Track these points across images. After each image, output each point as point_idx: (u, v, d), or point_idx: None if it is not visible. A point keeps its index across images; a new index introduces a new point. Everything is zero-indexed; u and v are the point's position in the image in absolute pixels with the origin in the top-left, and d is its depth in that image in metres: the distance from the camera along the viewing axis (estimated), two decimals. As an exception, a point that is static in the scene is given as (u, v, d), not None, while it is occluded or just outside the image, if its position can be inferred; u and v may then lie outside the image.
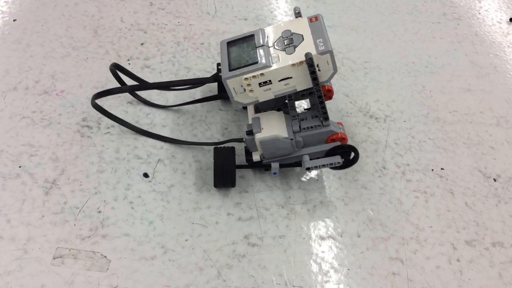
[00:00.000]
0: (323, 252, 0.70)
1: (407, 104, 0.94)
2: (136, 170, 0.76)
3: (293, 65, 0.64)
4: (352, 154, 0.73)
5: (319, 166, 0.71)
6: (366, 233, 0.72)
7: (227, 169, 0.71)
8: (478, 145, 0.88)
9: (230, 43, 0.70)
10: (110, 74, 0.87)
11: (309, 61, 0.63)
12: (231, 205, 0.73)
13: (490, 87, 1.01)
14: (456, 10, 1.22)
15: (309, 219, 0.73)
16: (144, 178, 0.75)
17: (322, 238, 0.71)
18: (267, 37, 0.69)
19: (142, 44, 0.98)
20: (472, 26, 1.18)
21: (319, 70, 0.65)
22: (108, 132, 0.80)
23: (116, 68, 0.81)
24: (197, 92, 0.90)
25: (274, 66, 0.65)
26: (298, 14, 0.71)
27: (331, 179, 0.79)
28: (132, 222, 0.70)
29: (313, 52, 0.63)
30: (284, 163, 0.74)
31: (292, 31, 0.68)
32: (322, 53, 0.63)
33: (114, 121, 0.80)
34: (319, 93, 0.67)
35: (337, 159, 0.71)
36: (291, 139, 0.70)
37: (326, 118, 0.70)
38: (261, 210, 0.73)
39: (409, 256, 0.70)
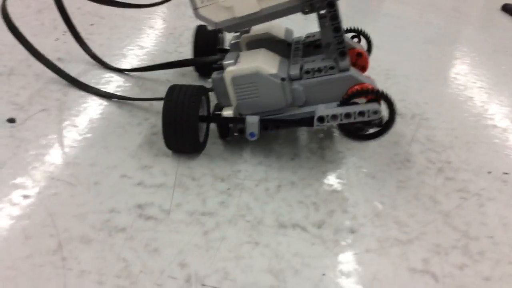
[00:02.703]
0: (279, 244, 0.36)
1: (446, 107, 0.64)
2: (1, 115, 0.48)
3: None
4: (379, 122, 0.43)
5: (341, 116, 0.41)
6: (366, 230, 0.39)
7: (182, 122, 0.41)
8: None
9: None
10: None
11: None
12: (134, 168, 0.43)
13: None
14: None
15: (265, 199, 0.41)
16: (7, 123, 0.47)
17: (283, 226, 0.38)
18: None
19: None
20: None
21: None
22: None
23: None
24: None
25: None
26: None
27: (315, 160, 0.47)
28: None
29: None
30: (272, 119, 0.44)
31: None
32: None
33: (23, 46, 0.54)
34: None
35: (374, 106, 0.41)
36: (282, 78, 0.42)
37: (343, 53, 0.42)
38: (183, 178, 0.42)
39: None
